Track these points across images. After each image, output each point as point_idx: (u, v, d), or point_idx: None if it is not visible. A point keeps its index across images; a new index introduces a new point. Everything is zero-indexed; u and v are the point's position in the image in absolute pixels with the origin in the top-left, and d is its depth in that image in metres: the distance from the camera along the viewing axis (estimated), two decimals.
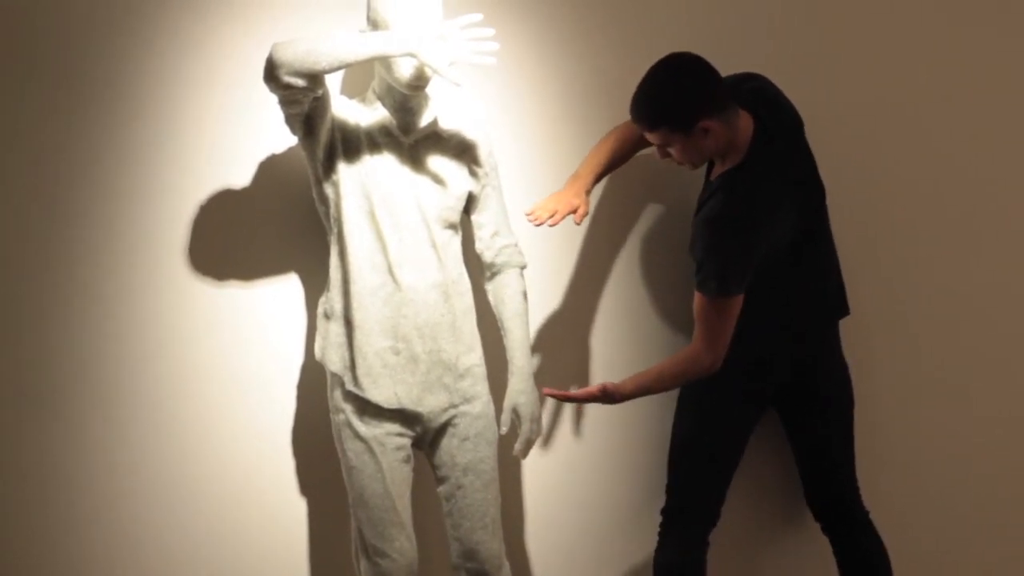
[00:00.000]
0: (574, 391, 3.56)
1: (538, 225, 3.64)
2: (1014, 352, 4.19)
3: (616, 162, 3.76)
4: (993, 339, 4.18)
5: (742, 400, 3.72)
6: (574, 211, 3.66)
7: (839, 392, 3.78)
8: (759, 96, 3.63)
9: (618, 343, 4.01)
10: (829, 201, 4.02)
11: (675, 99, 3.42)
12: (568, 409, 4.00)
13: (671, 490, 3.77)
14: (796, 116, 3.64)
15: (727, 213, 3.47)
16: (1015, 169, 4.16)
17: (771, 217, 3.51)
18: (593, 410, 4.01)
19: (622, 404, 4.00)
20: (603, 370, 4.00)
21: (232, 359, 3.79)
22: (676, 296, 4.02)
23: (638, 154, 3.96)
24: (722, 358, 3.56)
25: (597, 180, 3.73)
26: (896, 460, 4.14)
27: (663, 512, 3.78)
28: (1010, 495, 4.20)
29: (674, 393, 4.01)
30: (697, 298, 3.53)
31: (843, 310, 3.76)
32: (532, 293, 3.95)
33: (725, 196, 3.50)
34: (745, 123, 3.55)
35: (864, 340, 4.10)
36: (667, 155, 3.54)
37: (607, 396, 3.54)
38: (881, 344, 4.11)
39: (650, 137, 3.50)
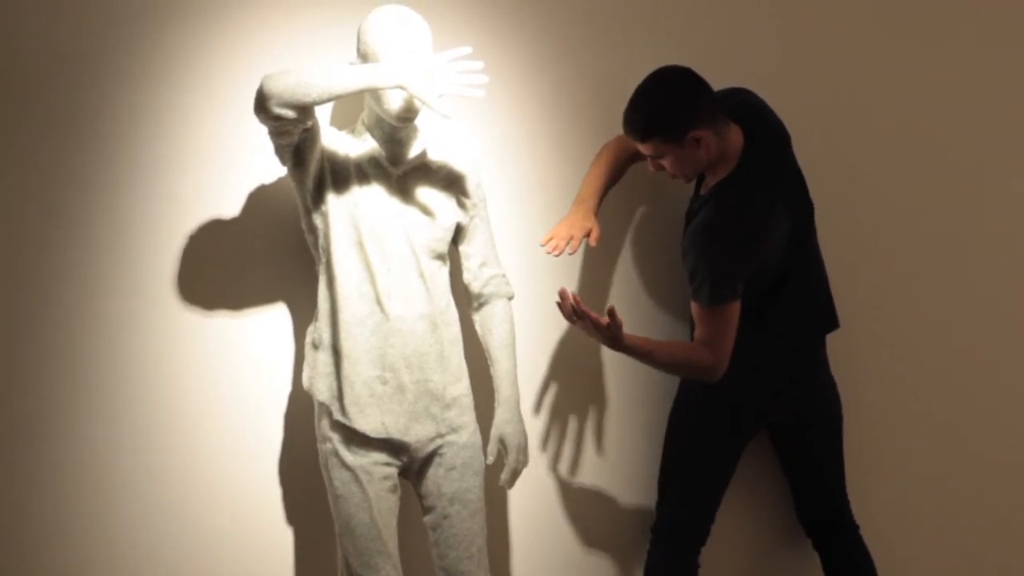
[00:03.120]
0: (588, 309, 3.42)
1: (558, 255, 3.64)
2: (1003, 365, 4.20)
3: (615, 179, 3.78)
4: (981, 352, 4.18)
5: (735, 417, 3.72)
6: (588, 234, 3.67)
7: (828, 408, 3.79)
8: (747, 109, 3.66)
9: (605, 373, 4.02)
10: (816, 214, 4.04)
11: (667, 109, 3.46)
12: (555, 440, 4.00)
13: (662, 508, 3.77)
14: (784, 130, 3.67)
15: (719, 222, 3.50)
16: (1000, 183, 4.18)
17: (763, 227, 3.53)
18: (581, 440, 4.01)
19: (611, 430, 4.00)
20: (591, 399, 4.01)
21: (220, 388, 3.79)
22: (667, 325, 4.03)
23: (629, 180, 3.97)
24: (725, 365, 3.55)
25: (601, 200, 3.74)
26: (885, 474, 4.15)
27: (653, 529, 3.79)
28: (1000, 508, 4.20)
29: (663, 414, 4.02)
30: (694, 307, 3.55)
31: (833, 323, 3.78)
32: (519, 323, 3.96)
33: (717, 206, 3.52)
34: (735, 135, 3.58)
35: (851, 354, 4.10)
36: (660, 168, 3.57)
37: (612, 332, 3.44)
38: (868, 358, 4.12)
39: (643, 149, 3.52)
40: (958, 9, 4.14)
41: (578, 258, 3.99)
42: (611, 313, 3.41)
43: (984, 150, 4.18)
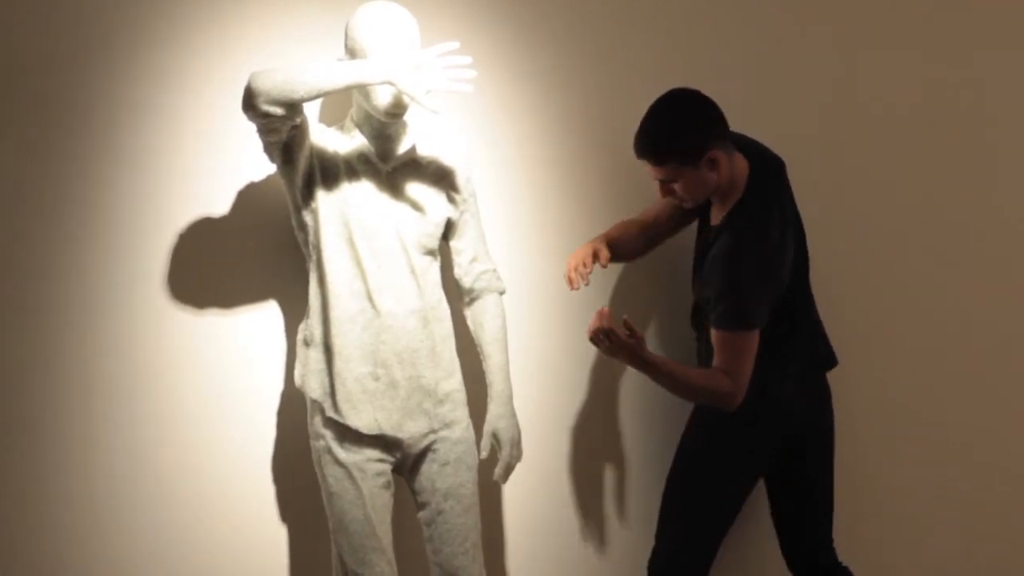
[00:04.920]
0: (613, 326, 3.40)
1: (575, 288, 3.63)
2: (992, 397, 4.22)
3: (626, 241, 3.74)
4: (971, 385, 4.21)
5: (756, 454, 3.63)
6: (597, 257, 3.66)
7: (831, 443, 3.73)
8: (745, 139, 3.66)
9: (598, 368, 4.02)
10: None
11: (684, 130, 3.43)
12: (548, 434, 4.00)
13: (664, 547, 3.66)
14: (780, 158, 3.67)
15: (741, 246, 3.46)
16: (986, 212, 4.19)
17: (780, 251, 3.51)
18: (573, 434, 4.02)
19: (603, 424, 4.00)
20: (583, 394, 4.01)
21: (212, 386, 3.79)
22: (656, 321, 4.03)
23: (618, 176, 3.98)
24: (743, 394, 3.48)
25: (610, 242, 3.71)
26: (874, 510, 4.17)
27: (651, 568, 3.68)
28: (990, 540, 4.23)
29: (655, 407, 4.03)
30: (715, 334, 3.48)
31: (834, 359, 3.75)
32: (511, 318, 3.96)
33: (735, 231, 3.49)
34: (740, 162, 3.56)
35: (841, 390, 4.11)
36: (670, 192, 3.53)
37: (634, 349, 3.40)
38: (859, 394, 4.14)
39: (656, 173, 3.48)
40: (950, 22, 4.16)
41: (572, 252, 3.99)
42: (628, 326, 3.38)
43: (972, 179, 4.19)
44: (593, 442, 4.03)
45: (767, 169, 3.58)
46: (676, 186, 3.50)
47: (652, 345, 4.00)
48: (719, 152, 3.46)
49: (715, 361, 3.50)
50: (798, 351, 3.63)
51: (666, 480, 3.75)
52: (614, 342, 3.39)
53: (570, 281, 3.64)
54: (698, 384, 3.47)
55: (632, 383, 4.04)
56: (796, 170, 4.04)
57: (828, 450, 3.73)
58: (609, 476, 4.04)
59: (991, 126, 4.21)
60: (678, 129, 3.43)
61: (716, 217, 3.61)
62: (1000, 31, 4.21)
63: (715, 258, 3.48)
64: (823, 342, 3.71)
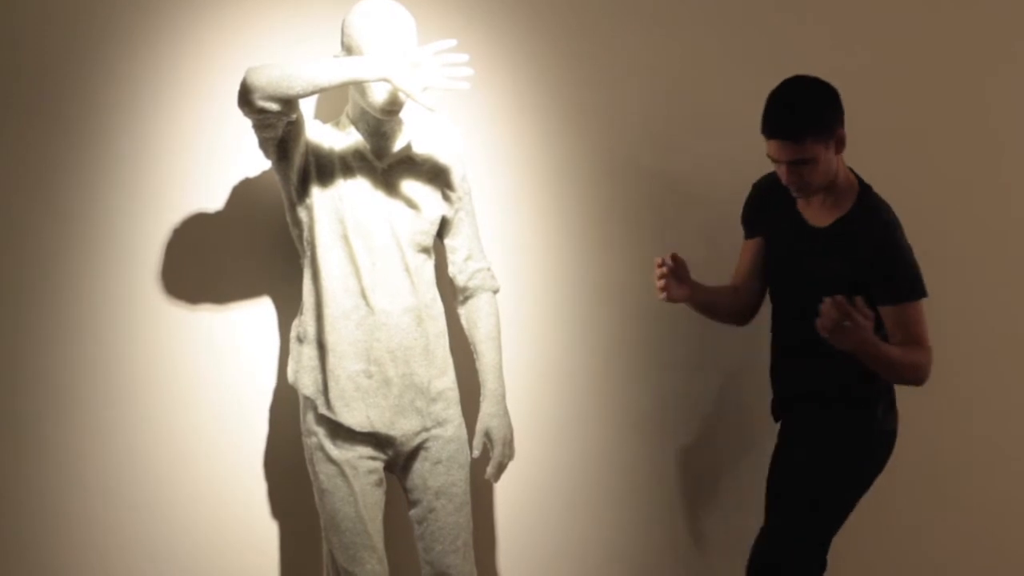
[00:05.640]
0: (850, 309, 3.36)
1: (662, 292, 3.64)
2: (981, 421, 4.24)
3: (709, 297, 3.74)
4: (972, 385, 4.23)
5: (868, 480, 3.68)
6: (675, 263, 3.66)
7: None
8: None
9: (591, 366, 4.02)
10: None
11: (819, 106, 3.49)
12: (541, 433, 4.00)
13: (808, 549, 3.64)
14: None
15: (889, 220, 3.55)
16: (974, 243, 4.21)
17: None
18: (564, 432, 4.02)
19: (596, 423, 4.01)
20: (577, 392, 4.01)
21: (205, 382, 3.78)
22: (648, 317, 4.04)
23: (613, 175, 3.98)
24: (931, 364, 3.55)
25: (696, 294, 3.70)
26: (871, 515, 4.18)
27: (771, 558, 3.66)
28: (989, 539, 4.24)
29: (648, 407, 4.02)
30: (899, 311, 3.51)
31: None
32: (504, 317, 3.96)
33: (873, 210, 3.57)
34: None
35: None
36: (797, 177, 3.53)
37: (868, 331, 3.38)
38: None
39: (791, 153, 3.49)
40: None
41: (576, 257, 3.99)
42: (861, 315, 3.35)
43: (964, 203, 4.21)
44: (585, 441, 4.03)
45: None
46: (804, 170, 3.52)
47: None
48: (843, 130, 3.53)
49: (901, 338, 3.52)
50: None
51: (782, 490, 3.71)
52: (855, 325, 3.38)
53: (659, 290, 3.64)
54: (907, 361, 3.50)
55: (625, 382, 4.05)
56: None
57: None
58: (601, 475, 4.04)
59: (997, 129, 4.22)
60: (814, 104, 3.50)
61: (821, 217, 3.64)
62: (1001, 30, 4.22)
63: (878, 238, 3.52)
64: None
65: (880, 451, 3.67)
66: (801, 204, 3.67)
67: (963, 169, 4.23)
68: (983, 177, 4.25)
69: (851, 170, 3.64)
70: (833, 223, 3.61)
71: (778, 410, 3.78)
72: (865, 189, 3.61)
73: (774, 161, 3.54)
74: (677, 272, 3.65)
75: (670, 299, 3.66)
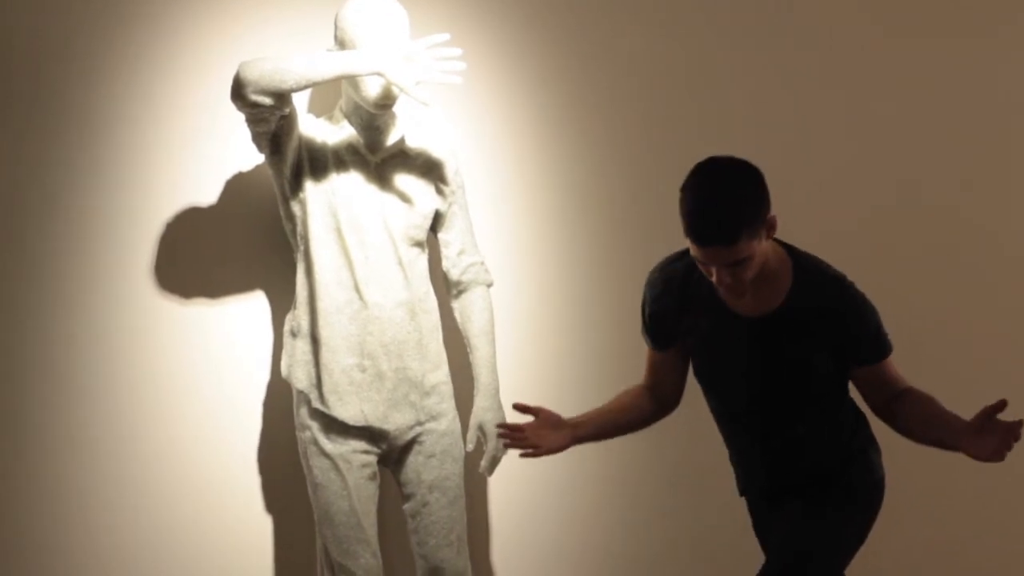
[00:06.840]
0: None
1: (507, 445, 3.26)
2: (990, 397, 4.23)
3: (612, 422, 3.41)
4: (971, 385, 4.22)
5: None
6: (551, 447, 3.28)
7: None
8: None
9: (585, 360, 4.02)
10: None
11: (749, 199, 3.02)
12: None
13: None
14: None
15: (836, 276, 3.20)
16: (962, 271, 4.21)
17: None
18: None
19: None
20: (571, 387, 4.01)
21: (198, 377, 3.78)
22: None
23: (607, 170, 3.98)
24: None
25: (587, 427, 3.36)
26: None
27: None
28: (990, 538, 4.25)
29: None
30: (884, 365, 3.24)
31: None
32: (498, 311, 3.96)
33: (819, 276, 3.19)
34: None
35: None
36: (731, 279, 3.06)
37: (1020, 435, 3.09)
38: None
39: (727, 255, 3.01)
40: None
41: (570, 251, 3.99)
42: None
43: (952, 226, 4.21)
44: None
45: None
46: (738, 269, 3.04)
47: (619, 351, 4.00)
48: (773, 215, 3.08)
49: (889, 390, 3.26)
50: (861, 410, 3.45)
51: (800, 547, 3.35)
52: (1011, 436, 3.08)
53: (512, 440, 3.23)
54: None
55: (620, 376, 4.04)
56: (795, 174, 4.04)
57: None
58: (595, 469, 4.04)
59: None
60: (744, 200, 3.01)
61: (756, 303, 3.21)
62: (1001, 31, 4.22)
63: (843, 298, 3.19)
64: None
65: (878, 499, 3.41)
66: (725, 295, 3.18)
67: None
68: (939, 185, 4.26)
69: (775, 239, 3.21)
70: (778, 307, 3.17)
71: (769, 497, 3.47)
72: (796, 257, 3.20)
73: (702, 264, 3.05)
74: (549, 421, 3.24)
75: (547, 452, 3.23)
